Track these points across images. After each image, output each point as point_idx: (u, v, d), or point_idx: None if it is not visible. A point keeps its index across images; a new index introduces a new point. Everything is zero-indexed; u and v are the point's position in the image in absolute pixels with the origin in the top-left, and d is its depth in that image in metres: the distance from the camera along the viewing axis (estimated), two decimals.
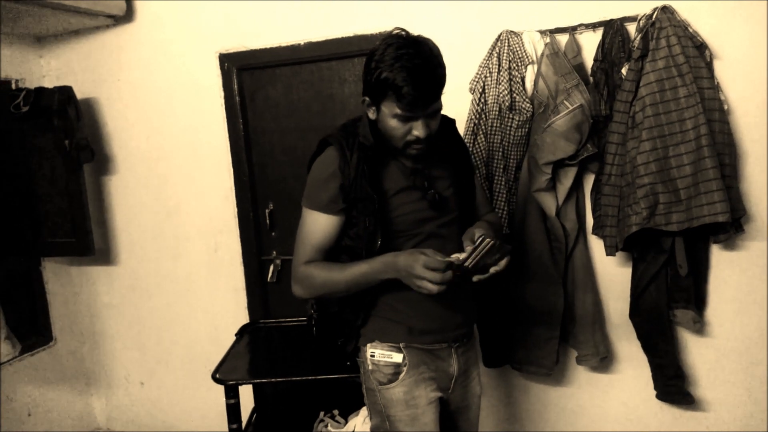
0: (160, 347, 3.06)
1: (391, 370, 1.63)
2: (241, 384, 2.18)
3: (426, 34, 2.39)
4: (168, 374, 3.08)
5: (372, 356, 1.65)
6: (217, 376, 2.17)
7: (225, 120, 2.75)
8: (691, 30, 2.08)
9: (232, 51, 2.69)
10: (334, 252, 1.64)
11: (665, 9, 2.08)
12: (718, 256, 2.24)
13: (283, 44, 2.62)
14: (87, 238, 2.86)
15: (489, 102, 2.28)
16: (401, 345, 1.64)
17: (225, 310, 2.90)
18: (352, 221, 1.60)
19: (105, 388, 3.22)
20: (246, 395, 2.48)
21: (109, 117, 2.94)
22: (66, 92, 2.74)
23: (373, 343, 1.66)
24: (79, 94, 2.83)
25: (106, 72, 2.91)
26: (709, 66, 2.10)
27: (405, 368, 1.63)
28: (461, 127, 2.31)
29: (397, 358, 1.63)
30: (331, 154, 1.58)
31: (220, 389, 2.17)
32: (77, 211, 2.83)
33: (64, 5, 2.42)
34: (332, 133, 1.62)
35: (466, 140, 2.30)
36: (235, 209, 2.80)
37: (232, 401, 2.17)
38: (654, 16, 2.08)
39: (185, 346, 3.01)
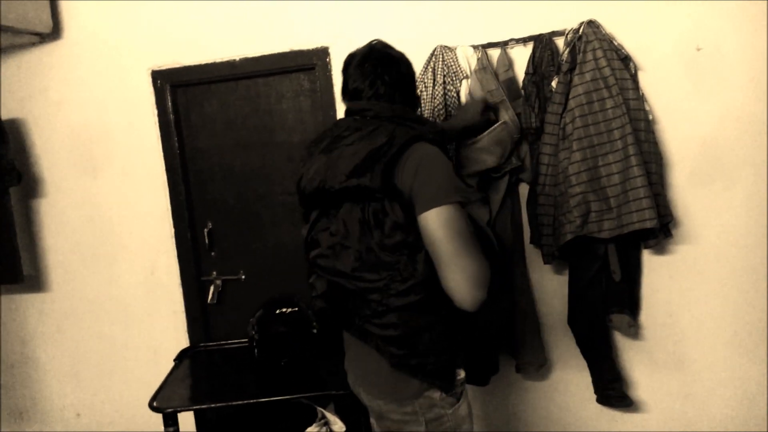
0: (96, 376, 2.93)
1: (461, 388, 1.59)
2: (179, 411, 2.11)
3: None
4: (106, 404, 2.95)
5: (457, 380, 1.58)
6: (155, 404, 2.09)
7: (159, 138, 2.68)
8: (616, 43, 2.16)
9: (164, 67, 2.64)
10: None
11: (591, 23, 2.15)
12: (649, 260, 2.32)
13: (218, 60, 2.59)
14: (15, 265, 2.73)
15: (425, 115, 2.30)
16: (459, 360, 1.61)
17: (164, 334, 2.81)
18: None
19: (39, 421, 3.06)
20: (188, 423, 2.40)
21: (37, 137, 2.82)
22: None
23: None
24: (4, 115, 2.72)
25: (33, 91, 2.79)
26: (634, 78, 2.18)
27: (464, 383, 1.61)
28: None
29: (462, 372, 1.60)
30: (438, 151, 1.51)
31: (161, 417, 2.10)
32: (4, 236, 2.70)
33: None
34: (422, 130, 1.54)
35: None
36: (172, 229, 2.73)
37: (172, 429, 2.10)
38: (581, 31, 2.15)
39: (123, 373, 2.89)
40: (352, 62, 1.62)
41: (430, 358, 1.49)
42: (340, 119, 1.65)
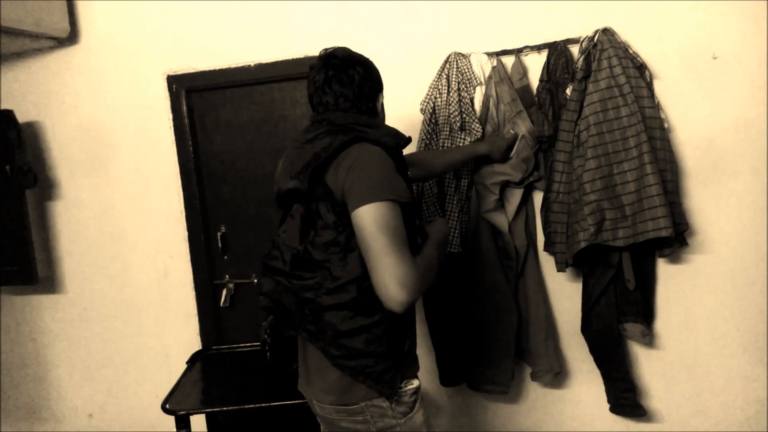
0: (109, 377, 2.95)
1: (413, 398, 1.57)
2: (192, 414, 2.12)
3: (375, 56, 2.45)
4: (118, 405, 2.97)
5: (400, 388, 1.55)
6: (167, 406, 2.10)
7: (174, 142, 2.70)
8: (631, 51, 2.16)
9: (180, 72, 2.66)
10: None
11: (606, 31, 2.14)
12: (664, 269, 2.31)
13: (233, 65, 2.60)
14: (30, 266, 2.76)
15: (440, 122, 2.30)
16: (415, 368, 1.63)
17: (176, 336, 2.82)
18: None
19: (51, 421, 3.08)
20: (199, 425, 2.41)
21: (53, 141, 2.85)
22: (6, 116, 2.66)
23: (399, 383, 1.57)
24: (21, 118, 2.75)
25: (50, 95, 2.82)
26: (650, 86, 2.17)
27: (420, 391, 1.60)
28: (412, 148, 2.34)
29: (416, 382, 1.59)
30: (379, 150, 1.49)
31: (172, 420, 2.11)
32: (19, 238, 2.73)
33: (2, 27, 2.34)
34: (369, 133, 1.53)
35: None
36: (186, 233, 2.74)
37: None
38: (596, 38, 2.15)
39: (135, 375, 2.91)
40: (311, 71, 1.62)
41: (369, 360, 1.47)
42: (304, 127, 1.66)
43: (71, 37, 2.73)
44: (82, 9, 2.72)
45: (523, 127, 2.20)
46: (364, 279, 1.43)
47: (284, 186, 1.55)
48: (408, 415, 1.55)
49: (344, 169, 1.44)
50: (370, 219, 1.38)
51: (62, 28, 2.65)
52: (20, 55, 2.81)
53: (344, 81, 1.57)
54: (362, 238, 1.39)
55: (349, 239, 1.45)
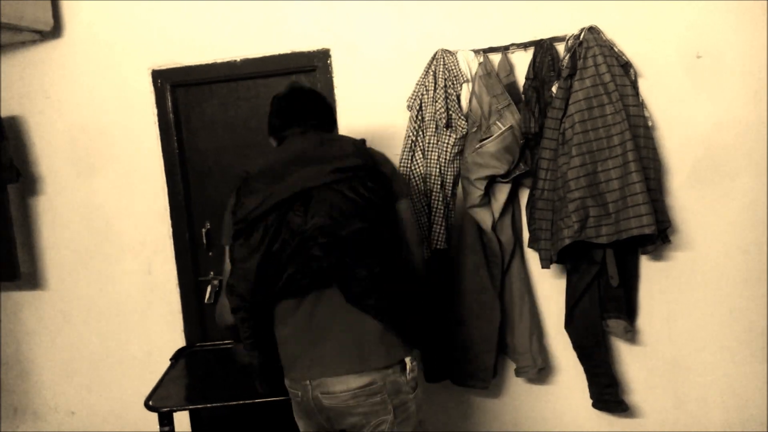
0: (91, 375, 2.92)
1: (418, 373, 1.71)
2: (175, 410, 2.10)
3: (363, 53, 2.48)
4: (100, 403, 2.94)
5: (414, 362, 1.69)
6: (150, 403, 2.09)
7: (158, 138, 2.68)
8: (616, 50, 2.17)
9: (165, 67, 2.64)
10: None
11: (592, 29, 2.16)
12: (646, 266, 2.33)
13: (219, 60, 2.59)
14: (12, 263, 2.72)
15: (426, 119, 2.30)
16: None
17: (160, 333, 2.80)
18: None
19: (32, 419, 3.05)
20: (183, 422, 2.39)
21: (36, 136, 2.82)
22: None
23: (412, 351, 1.73)
24: (3, 112, 2.72)
25: (33, 89, 2.79)
26: (634, 84, 2.19)
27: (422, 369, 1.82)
28: (399, 144, 2.34)
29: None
30: None
31: (155, 417, 2.09)
32: (1, 234, 2.69)
33: None
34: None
35: (403, 156, 2.33)
36: (170, 229, 2.72)
37: (167, 429, 2.09)
38: (581, 36, 2.17)
39: (118, 372, 2.88)
40: (280, 102, 1.85)
41: (410, 316, 1.67)
42: (285, 148, 1.77)
43: (55, 30, 2.70)
44: (66, 2, 2.69)
45: (512, 119, 2.20)
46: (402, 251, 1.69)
47: (326, 174, 1.60)
48: (416, 390, 1.68)
49: (385, 163, 1.72)
50: (411, 210, 1.78)
51: (46, 21, 2.62)
52: (2, 48, 2.77)
53: (322, 105, 1.84)
54: (406, 225, 1.71)
55: (395, 220, 1.68)
